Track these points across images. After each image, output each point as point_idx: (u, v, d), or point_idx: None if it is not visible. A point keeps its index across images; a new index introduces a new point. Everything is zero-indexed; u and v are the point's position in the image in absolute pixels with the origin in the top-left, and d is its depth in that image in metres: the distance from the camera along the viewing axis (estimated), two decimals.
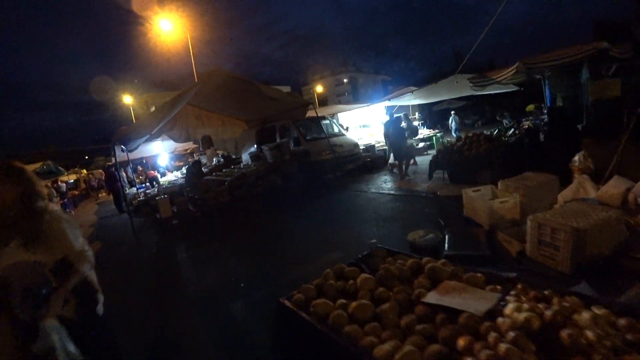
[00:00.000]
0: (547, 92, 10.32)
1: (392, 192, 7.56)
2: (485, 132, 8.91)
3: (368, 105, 15.20)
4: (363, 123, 15.93)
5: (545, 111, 11.42)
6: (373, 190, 8.05)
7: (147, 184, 14.28)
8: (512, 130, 9.88)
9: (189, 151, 22.68)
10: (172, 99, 7.34)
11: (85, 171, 31.36)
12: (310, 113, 10.95)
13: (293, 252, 4.90)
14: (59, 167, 16.74)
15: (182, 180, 11.07)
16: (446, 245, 3.36)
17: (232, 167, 10.52)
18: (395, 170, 9.44)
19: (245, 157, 12.80)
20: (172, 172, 17.82)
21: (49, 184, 18.25)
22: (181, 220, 7.60)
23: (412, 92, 10.98)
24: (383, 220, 5.58)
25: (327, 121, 11.97)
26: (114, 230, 9.61)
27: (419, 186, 7.65)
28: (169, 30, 19.85)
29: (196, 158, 13.40)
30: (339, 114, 16.15)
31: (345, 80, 72.67)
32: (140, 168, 21.11)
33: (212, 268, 4.96)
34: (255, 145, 12.49)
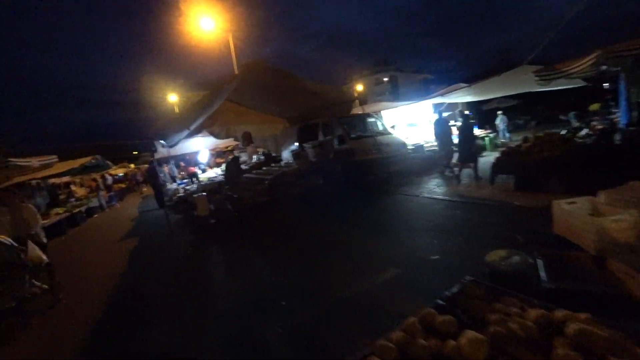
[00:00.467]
0: (622, 88, 9.06)
1: (447, 197, 6.77)
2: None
3: (415, 102, 14.33)
4: (410, 121, 15.02)
5: (617, 110, 10.10)
6: (425, 194, 7.29)
7: (188, 179, 14.30)
8: (585, 131, 8.71)
9: (229, 148, 22.82)
10: (210, 92, 7.00)
11: (133, 165, 32.71)
12: (355, 110, 10.33)
13: (339, 266, 4.31)
14: (107, 161, 17.22)
15: (221, 177, 10.85)
16: (542, 273, 2.64)
17: (273, 165, 10.13)
18: (448, 172, 8.61)
19: (285, 155, 12.41)
20: (212, 168, 17.87)
21: (98, 177, 18.95)
22: (218, 219, 7.27)
23: (469, 86, 10.01)
24: (442, 232, 4.85)
25: (372, 119, 11.30)
26: (151, 226, 9.52)
27: (479, 192, 6.78)
28: (210, 30, 20.06)
29: (235, 154, 13.16)
30: (382, 112, 15.38)
31: (385, 80, 70.86)
32: (182, 164, 21.47)
33: (247, 278, 4.49)
34: (296, 143, 12.09)
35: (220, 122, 11.62)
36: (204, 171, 16.82)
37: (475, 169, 7.89)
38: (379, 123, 11.40)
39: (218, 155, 21.79)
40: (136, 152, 51.86)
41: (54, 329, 4.10)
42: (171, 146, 10.75)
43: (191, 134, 11.54)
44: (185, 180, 15.12)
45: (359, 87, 57.59)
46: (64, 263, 7.35)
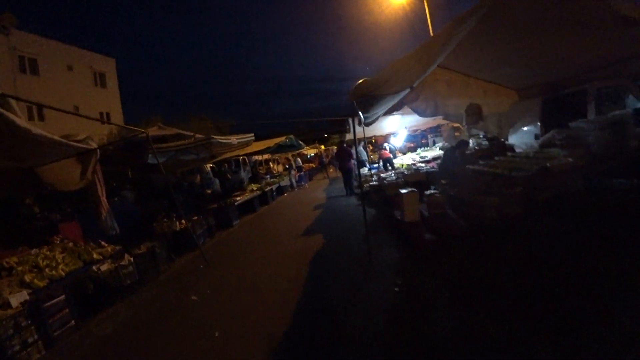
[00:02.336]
0: None
1: None
2: None
3: None
4: None
5: None
6: None
7: (380, 165, 12.27)
8: None
9: (418, 132, 19.92)
10: (447, 28, 4.33)
11: (323, 147, 33.83)
12: None
13: None
14: (300, 142, 17.15)
15: (429, 167, 8.28)
16: None
17: (510, 154, 6.82)
18: None
19: (516, 140, 8.85)
20: (404, 153, 15.47)
21: (290, 157, 19.35)
22: (439, 234, 4.66)
23: None
24: None
25: None
26: (339, 220, 7.73)
27: None
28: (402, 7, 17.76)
29: (463, 137, 10.08)
30: None
31: None
32: (370, 147, 19.97)
33: None
34: (537, 124, 8.35)
35: (425, 95, 8.92)
36: (394, 157, 14.63)
37: None
38: None
39: (410, 138, 19.14)
40: (326, 135, 55.16)
41: None
42: (368, 123, 8.84)
43: (390, 111, 9.32)
44: (375, 165, 13.25)
45: None
46: (234, 255, 6.31)
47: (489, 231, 4.34)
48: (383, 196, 8.35)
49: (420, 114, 8.88)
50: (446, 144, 14.24)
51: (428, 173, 7.34)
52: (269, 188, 12.23)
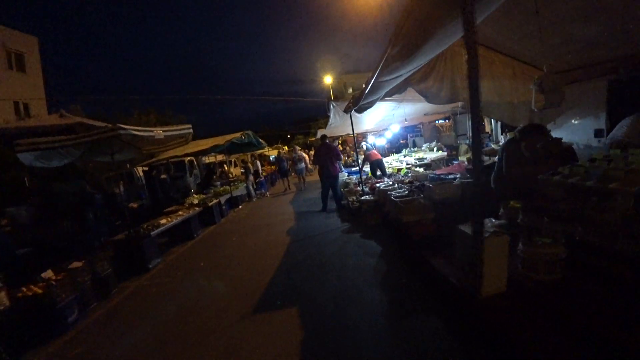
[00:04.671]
0: None
1: None
2: None
3: None
4: None
5: None
6: None
7: (366, 169, 9.34)
8: None
9: (392, 128, 17.25)
10: None
11: (286, 147, 30.58)
12: None
13: None
14: (260, 140, 13.95)
15: (453, 175, 5.60)
16: None
17: (600, 159, 4.23)
18: None
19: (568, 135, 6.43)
20: (384, 155, 12.82)
21: (247, 158, 16.15)
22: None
23: None
24: None
25: None
26: (326, 266, 4.73)
27: None
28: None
29: (530, 121, 7.27)
30: None
31: None
32: (340, 147, 17.17)
33: None
34: (600, 115, 5.96)
35: (438, 74, 6.23)
36: None
37: None
38: None
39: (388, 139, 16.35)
40: (289, 135, 51.70)
41: None
42: (362, 108, 6.12)
43: (386, 96, 6.55)
44: (354, 170, 10.49)
45: None
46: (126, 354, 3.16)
47: None
48: (384, 219, 5.60)
49: (431, 100, 6.14)
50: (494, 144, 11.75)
51: (464, 185, 4.63)
52: (214, 201, 9.00)
